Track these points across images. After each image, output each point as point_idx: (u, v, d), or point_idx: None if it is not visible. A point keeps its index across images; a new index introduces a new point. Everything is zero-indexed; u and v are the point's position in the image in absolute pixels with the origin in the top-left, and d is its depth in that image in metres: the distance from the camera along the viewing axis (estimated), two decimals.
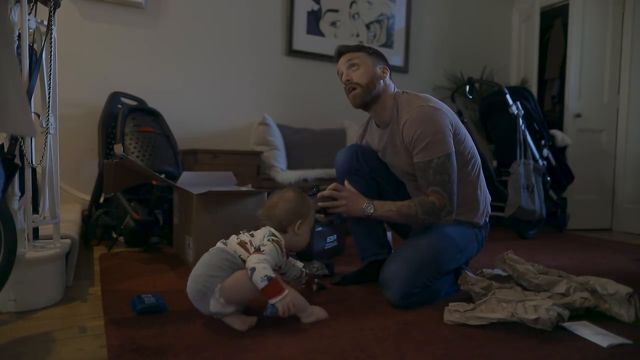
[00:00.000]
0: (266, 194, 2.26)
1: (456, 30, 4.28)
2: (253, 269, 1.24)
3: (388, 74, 1.69)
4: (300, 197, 1.47)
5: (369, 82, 1.63)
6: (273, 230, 1.39)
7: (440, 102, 1.64)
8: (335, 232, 2.33)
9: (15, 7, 1.43)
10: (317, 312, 1.38)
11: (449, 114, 1.60)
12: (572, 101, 3.72)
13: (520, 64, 4.45)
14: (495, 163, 3.57)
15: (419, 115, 1.55)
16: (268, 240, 1.35)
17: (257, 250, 1.31)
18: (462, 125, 1.67)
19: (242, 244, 1.34)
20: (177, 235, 2.32)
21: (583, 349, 1.20)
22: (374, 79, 1.64)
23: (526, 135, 3.15)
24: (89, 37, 2.91)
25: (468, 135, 1.69)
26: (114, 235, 2.46)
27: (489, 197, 1.80)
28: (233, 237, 1.38)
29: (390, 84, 1.70)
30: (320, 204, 1.61)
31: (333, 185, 1.65)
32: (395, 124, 1.64)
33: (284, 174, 3.06)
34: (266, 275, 1.23)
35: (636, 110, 3.70)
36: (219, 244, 1.36)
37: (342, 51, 1.70)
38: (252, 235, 1.39)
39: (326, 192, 1.62)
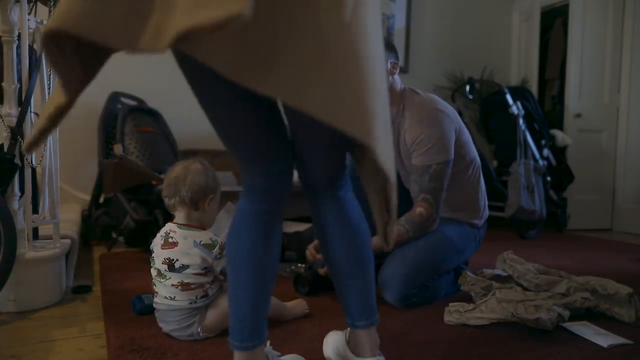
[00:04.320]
0: None
1: (456, 30, 4.28)
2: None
3: (397, 70, 1.65)
4: (209, 169, 1.29)
5: None
6: (194, 239, 1.22)
7: (446, 103, 1.63)
8: None
9: (15, 7, 1.43)
10: (295, 311, 1.40)
11: (454, 117, 1.59)
12: (572, 101, 3.71)
13: (520, 64, 4.44)
14: (495, 163, 3.57)
15: (427, 117, 1.53)
16: (197, 248, 1.20)
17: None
18: (465, 128, 1.67)
19: (183, 286, 1.20)
20: None
21: (583, 349, 1.19)
22: None
23: (526, 136, 3.15)
24: None
25: (470, 138, 1.68)
26: (114, 236, 2.46)
27: (487, 200, 1.80)
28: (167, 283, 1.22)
29: (398, 80, 1.66)
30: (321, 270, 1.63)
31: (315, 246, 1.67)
32: (401, 123, 1.63)
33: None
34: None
35: (637, 110, 3.70)
36: (165, 300, 1.22)
37: None
38: (170, 261, 1.20)
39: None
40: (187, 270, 1.19)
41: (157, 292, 1.24)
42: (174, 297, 1.20)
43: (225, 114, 0.80)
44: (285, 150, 0.88)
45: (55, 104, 0.66)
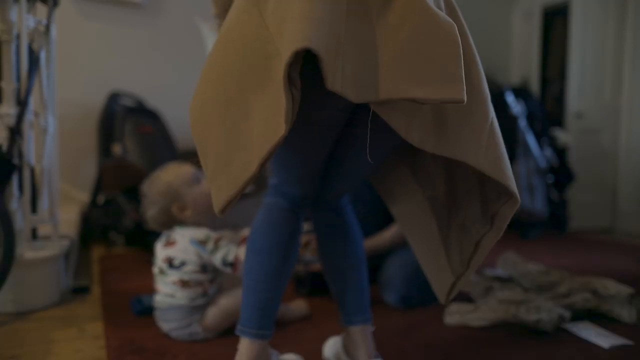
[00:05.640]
0: (262, 194, 2.26)
1: None
2: (230, 264, 1.22)
3: None
4: (171, 179, 1.28)
5: None
6: (191, 237, 1.23)
7: None
8: None
9: (13, 6, 1.42)
10: (295, 312, 1.39)
11: None
12: (574, 101, 3.71)
13: (521, 63, 4.44)
14: None
15: None
16: (193, 245, 1.22)
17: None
18: None
19: (182, 284, 1.21)
20: None
21: (584, 350, 1.19)
22: None
23: (527, 136, 3.15)
24: (88, 37, 2.90)
25: None
26: (113, 236, 2.46)
27: None
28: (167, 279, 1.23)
29: None
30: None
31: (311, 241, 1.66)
32: None
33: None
34: (229, 262, 1.22)
35: (638, 110, 3.69)
36: (165, 298, 1.23)
37: None
38: (170, 263, 1.22)
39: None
40: (185, 268, 1.21)
41: (158, 290, 1.25)
42: (174, 294, 1.21)
43: (314, 138, 0.84)
44: (322, 172, 0.96)
45: (271, 135, 0.63)
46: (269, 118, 0.64)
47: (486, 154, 0.70)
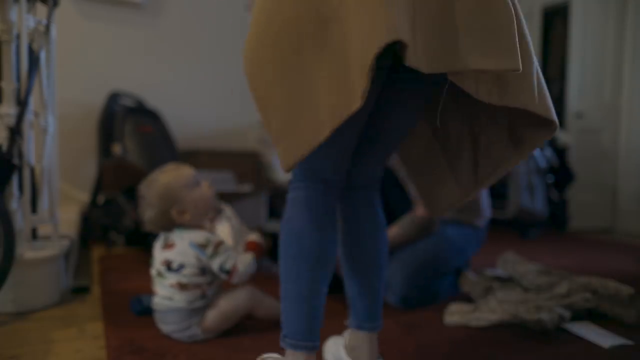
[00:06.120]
0: (262, 194, 2.26)
1: None
2: (228, 272, 1.21)
3: None
4: (171, 182, 1.25)
5: None
6: (190, 240, 1.22)
7: None
8: None
9: (13, 6, 1.42)
10: None
11: None
12: (574, 101, 3.71)
13: None
14: None
15: None
16: (192, 248, 1.21)
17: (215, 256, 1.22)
18: None
19: (181, 286, 1.20)
20: None
21: (584, 350, 1.19)
22: None
23: None
24: (88, 37, 2.90)
25: None
26: (113, 236, 2.46)
27: (489, 201, 1.80)
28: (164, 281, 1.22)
29: None
30: None
31: None
32: None
33: (285, 173, 3.05)
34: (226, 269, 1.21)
35: (638, 109, 3.69)
36: (163, 301, 1.22)
37: None
38: (168, 265, 1.21)
39: None
40: (184, 271, 1.20)
41: (156, 292, 1.25)
42: (172, 297, 1.20)
43: (355, 120, 0.83)
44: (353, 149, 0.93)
45: (344, 106, 0.65)
46: (338, 88, 0.66)
47: (539, 98, 0.75)
